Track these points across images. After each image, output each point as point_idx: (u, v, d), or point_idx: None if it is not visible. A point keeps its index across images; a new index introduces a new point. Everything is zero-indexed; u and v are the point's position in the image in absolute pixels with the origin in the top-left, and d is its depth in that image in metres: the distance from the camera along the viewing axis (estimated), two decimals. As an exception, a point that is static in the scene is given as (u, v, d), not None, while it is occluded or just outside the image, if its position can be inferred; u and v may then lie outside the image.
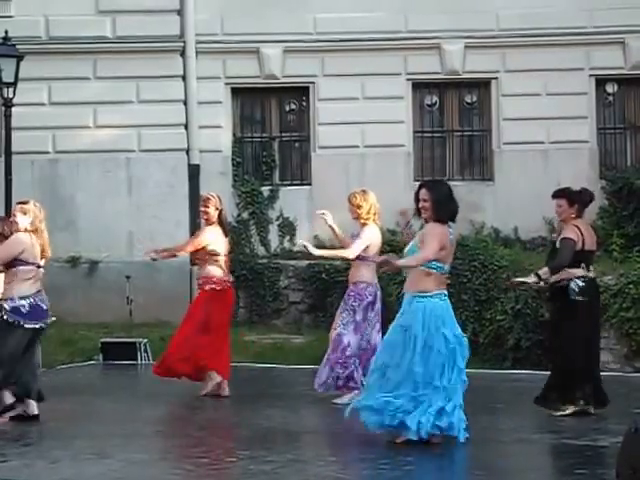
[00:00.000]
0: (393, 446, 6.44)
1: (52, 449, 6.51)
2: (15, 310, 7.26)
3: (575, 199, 7.79)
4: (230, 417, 8.07)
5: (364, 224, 8.31)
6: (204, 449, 6.63)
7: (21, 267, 7.28)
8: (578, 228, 7.68)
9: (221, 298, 8.78)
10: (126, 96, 13.68)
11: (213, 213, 8.74)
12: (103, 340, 11.71)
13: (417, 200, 6.60)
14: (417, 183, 13.33)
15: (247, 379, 9.78)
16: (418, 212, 6.62)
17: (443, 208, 6.49)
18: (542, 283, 7.57)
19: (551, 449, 6.72)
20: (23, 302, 7.27)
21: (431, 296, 6.42)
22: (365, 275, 8.26)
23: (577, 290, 7.53)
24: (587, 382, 7.56)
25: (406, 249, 6.64)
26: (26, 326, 7.28)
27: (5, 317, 7.27)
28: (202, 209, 8.83)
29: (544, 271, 7.51)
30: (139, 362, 11.38)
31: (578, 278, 7.56)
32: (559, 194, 7.87)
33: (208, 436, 7.24)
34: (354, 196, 8.38)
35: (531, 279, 7.54)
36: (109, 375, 10.98)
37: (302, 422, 7.76)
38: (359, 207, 8.30)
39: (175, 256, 9.14)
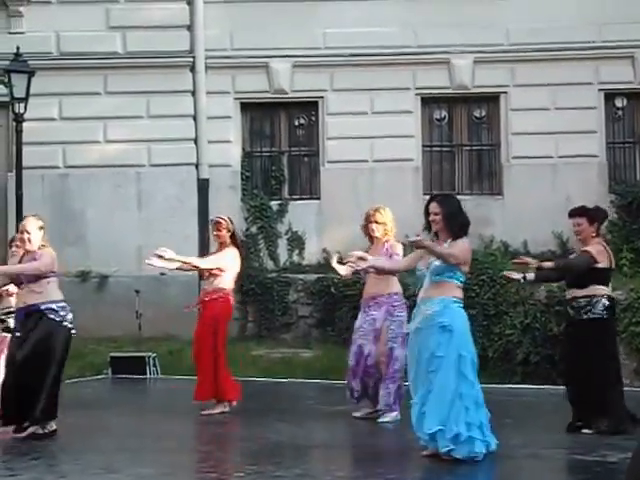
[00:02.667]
0: (401, 461, 6.43)
1: (61, 463, 6.53)
2: (59, 310, 7.44)
3: (595, 217, 7.69)
4: (238, 431, 8.07)
5: (388, 240, 8.26)
6: (212, 463, 6.63)
7: (52, 278, 7.48)
8: (605, 247, 7.62)
9: (227, 312, 8.82)
10: (136, 111, 13.76)
11: (226, 236, 8.79)
12: (112, 354, 11.75)
13: (427, 214, 6.59)
14: (426, 197, 13.35)
15: (255, 393, 9.77)
16: (428, 226, 6.62)
17: (455, 221, 6.51)
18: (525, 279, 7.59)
19: (561, 465, 6.70)
20: (62, 304, 7.47)
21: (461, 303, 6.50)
22: (398, 285, 8.25)
23: (603, 309, 7.48)
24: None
25: (429, 266, 6.48)
26: (69, 326, 7.45)
27: (51, 316, 7.39)
28: (215, 233, 8.85)
29: (548, 265, 7.52)
30: (148, 376, 11.41)
31: (605, 297, 7.51)
32: (579, 212, 7.68)
33: (216, 450, 7.24)
34: (379, 213, 8.30)
35: (518, 275, 7.48)
36: (118, 389, 11.00)
37: (310, 437, 7.75)
38: (385, 224, 8.27)
39: (185, 269, 9.10)
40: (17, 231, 7.68)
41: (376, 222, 8.27)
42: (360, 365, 8.15)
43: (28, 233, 7.46)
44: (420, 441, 6.40)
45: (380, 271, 7.04)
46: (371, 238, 8.34)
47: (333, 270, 8.73)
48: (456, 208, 6.59)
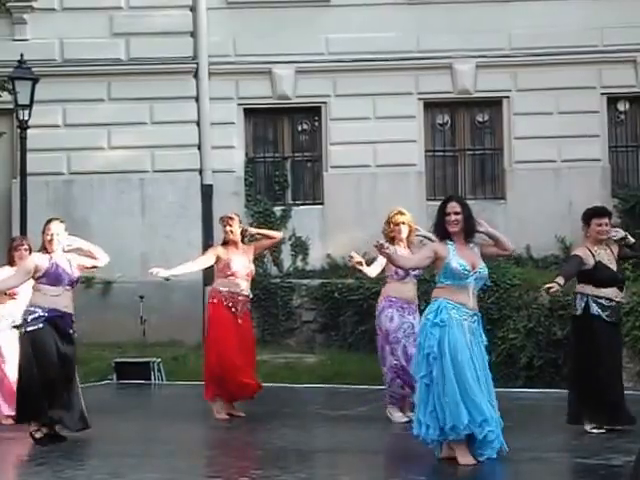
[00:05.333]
0: (405, 466, 6.44)
1: (66, 468, 6.53)
2: None
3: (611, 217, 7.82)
4: (243, 436, 8.08)
5: (410, 243, 8.29)
6: (217, 468, 6.65)
7: None
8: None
9: None
10: (140, 117, 13.80)
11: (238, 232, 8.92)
12: (117, 360, 11.77)
13: (443, 214, 6.43)
14: (429, 203, 13.43)
15: (260, 398, 9.75)
16: (441, 226, 6.44)
17: (473, 225, 6.47)
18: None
19: (564, 468, 6.70)
20: None
21: None
22: None
23: None
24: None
25: (479, 270, 6.40)
26: None
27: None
28: (229, 229, 8.78)
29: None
30: (152, 382, 11.42)
31: None
32: (607, 212, 7.72)
33: (221, 455, 7.26)
34: (403, 214, 8.31)
35: (559, 285, 7.13)
36: (123, 395, 11.02)
37: (315, 441, 7.77)
38: (410, 225, 8.29)
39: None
40: (43, 233, 7.62)
41: (403, 224, 8.27)
42: (409, 365, 7.90)
43: (58, 235, 7.53)
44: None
45: (393, 261, 6.86)
46: (392, 241, 8.27)
47: (356, 273, 8.61)
48: (471, 211, 6.56)
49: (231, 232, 8.74)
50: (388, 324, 8.15)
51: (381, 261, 8.07)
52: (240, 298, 8.70)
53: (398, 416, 8.13)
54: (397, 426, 7.99)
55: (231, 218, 8.82)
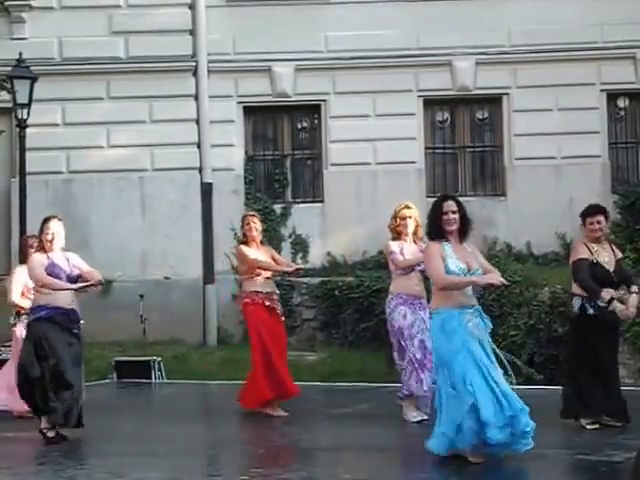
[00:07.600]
0: (405, 463, 6.44)
1: (67, 468, 6.53)
2: None
3: (607, 215, 7.80)
4: (243, 434, 8.08)
5: (416, 238, 8.26)
6: (217, 467, 6.65)
7: None
8: None
9: None
10: (139, 116, 13.79)
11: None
12: (117, 359, 11.77)
13: (440, 213, 6.42)
14: (429, 200, 13.38)
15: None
16: (436, 225, 6.45)
17: (470, 224, 6.47)
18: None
19: (566, 465, 6.70)
20: None
21: None
22: None
23: None
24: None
25: (474, 272, 6.42)
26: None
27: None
28: (254, 226, 8.76)
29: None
30: (153, 380, 11.42)
31: None
32: (602, 210, 7.73)
33: (221, 453, 7.26)
34: (411, 208, 8.27)
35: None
36: (123, 394, 11.02)
37: (316, 439, 7.76)
38: (417, 219, 8.25)
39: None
40: (41, 232, 7.59)
41: (410, 218, 8.21)
42: (427, 359, 7.89)
43: (58, 234, 7.52)
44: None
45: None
46: (398, 235, 8.23)
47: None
48: (466, 210, 6.54)
49: (255, 229, 8.71)
50: (402, 321, 8.09)
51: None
52: (275, 297, 8.76)
53: (413, 415, 8.01)
54: (399, 423, 7.97)
55: (253, 215, 8.86)
